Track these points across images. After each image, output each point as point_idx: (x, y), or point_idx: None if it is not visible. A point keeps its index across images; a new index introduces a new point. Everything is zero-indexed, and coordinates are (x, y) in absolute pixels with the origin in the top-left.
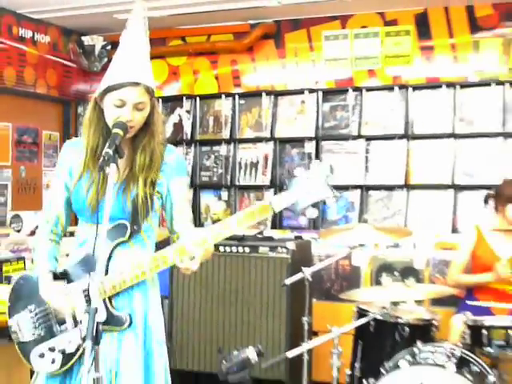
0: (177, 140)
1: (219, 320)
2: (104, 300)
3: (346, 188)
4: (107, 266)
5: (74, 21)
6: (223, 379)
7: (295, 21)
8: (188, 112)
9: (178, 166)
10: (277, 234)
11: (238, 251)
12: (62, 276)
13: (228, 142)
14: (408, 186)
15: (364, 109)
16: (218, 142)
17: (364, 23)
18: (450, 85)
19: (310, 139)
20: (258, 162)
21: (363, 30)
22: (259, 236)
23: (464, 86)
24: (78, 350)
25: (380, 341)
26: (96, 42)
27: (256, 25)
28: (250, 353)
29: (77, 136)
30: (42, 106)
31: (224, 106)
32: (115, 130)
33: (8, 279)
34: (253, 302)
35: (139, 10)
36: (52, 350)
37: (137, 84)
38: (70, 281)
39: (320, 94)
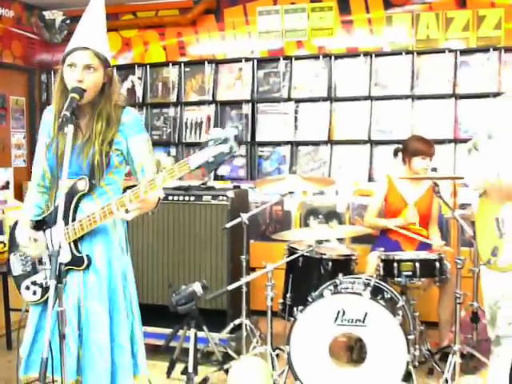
0: (130, 103)
1: (169, 260)
2: (69, 243)
3: (278, 144)
4: (74, 215)
5: None
6: (173, 310)
7: None
8: (139, 79)
9: (135, 125)
10: (218, 184)
11: (184, 200)
12: (42, 223)
13: (175, 104)
14: (331, 142)
15: (293, 75)
16: (167, 105)
17: (293, 0)
18: (367, 54)
19: (247, 102)
20: (201, 122)
21: (292, 5)
22: (203, 186)
23: (378, 55)
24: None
25: (307, 274)
26: (56, 16)
27: (199, 1)
28: (196, 287)
29: (41, 101)
30: (9, 74)
31: (171, 73)
32: (71, 94)
33: None
34: (198, 243)
35: None
36: (34, 283)
37: (86, 48)
38: (47, 227)
39: (255, 62)
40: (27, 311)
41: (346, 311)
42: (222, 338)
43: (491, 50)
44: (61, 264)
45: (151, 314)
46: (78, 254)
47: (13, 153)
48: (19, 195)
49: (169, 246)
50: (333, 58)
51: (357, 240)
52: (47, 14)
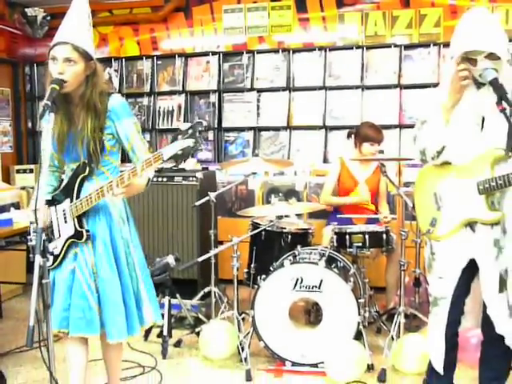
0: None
1: (145, 234)
2: (73, 219)
3: (242, 130)
4: (78, 194)
5: None
6: None
7: None
8: (116, 71)
9: (122, 110)
10: (188, 166)
11: (158, 181)
12: (53, 201)
13: (149, 94)
14: (290, 128)
15: (256, 67)
16: (141, 95)
17: None
18: (322, 48)
19: (214, 92)
20: (173, 110)
21: (254, 4)
22: (174, 168)
23: (332, 49)
24: (60, 253)
25: (269, 246)
26: (37, 13)
27: (169, 0)
28: (170, 259)
29: (25, 92)
30: None
31: (145, 66)
32: (52, 85)
33: None
34: (171, 220)
35: None
36: (49, 252)
37: (65, 43)
38: (57, 204)
39: (221, 55)
40: None
41: (304, 279)
42: (194, 304)
43: (432, 45)
44: (45, 241)
45: None
46: (79, 229)
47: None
48: (6, 178)
49: (144, 222)
50: (291, 52)
51: (313, 215)
52: (29, 11)
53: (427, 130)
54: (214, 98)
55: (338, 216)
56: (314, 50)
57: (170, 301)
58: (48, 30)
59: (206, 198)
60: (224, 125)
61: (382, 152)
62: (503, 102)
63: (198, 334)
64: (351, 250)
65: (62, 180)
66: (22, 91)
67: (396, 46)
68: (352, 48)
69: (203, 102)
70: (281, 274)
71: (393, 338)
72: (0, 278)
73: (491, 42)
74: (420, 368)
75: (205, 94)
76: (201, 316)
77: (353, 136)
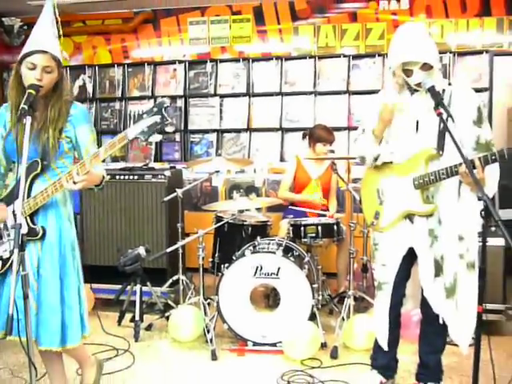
0: (82, 98)
1: (117, 228)
2: (26, 217)
3: (206, 132)
4: (29, 192)
5: None
6: (121, 270)
7: (168, 10)
8: (90, 77)
9: (82, 116)
10: (157, 165)
11: (129, 178)
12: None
13: (120, 99)
14: (250, 130)
15: (218, 75)
16: (113, 100)
17: (217, 12)
18: (278, 58)
19: (180, 97)
20: (143, 113)
21: (217, 17)
22: (144, 167)
23: (288, 58)
24: (11, 256)
25: (232, 238)
26: (14, 22)
27: (138, 13)
28: (141, 250)
29: (3, 96)
30: None
31: (116, 73)
32: (29, 90)
33: None
34: (141, 214)
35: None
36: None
37: (45, 52)
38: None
39: (187, 64)
40: None
41: (263, 266)
42: (163, 291)
43: (376, 55)
44: (23, 235)
45: (103, 273)
46: (33, 226)
47: None
48: None
49: (117, 217)
50: (250, 61)
51: (271, 209)
52: (6, 21)
53: (365, 143)
54: (180, 102)
55: (290, 207)
56: (272, 59)
57: (141, 288)
58: (24, 39)
59: (174, 194)
60: (190, 127)
61: (333, 151)
62: (440, 107)
63: (167, 318)
64: (305, 240)
65: (7, 186)
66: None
67: (345, 56)
68: (306, 58)
69: (171, 106)
70: (242, 262)
71: (343, 319)
72: None
73: (425, 53)
74: (368, 345)
75: (172, 99)
76: (170, 302)
77: (307, 137)
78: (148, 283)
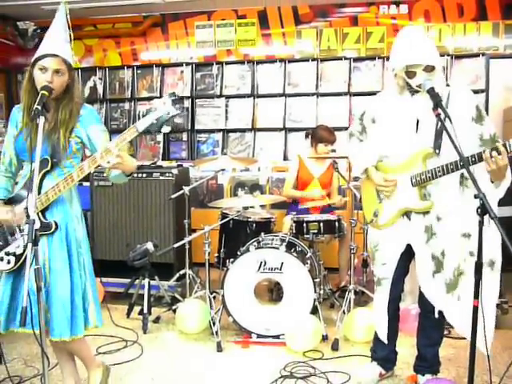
0: (93, 99)
1: (127, 224)
2: (38, 213)
3: (212, 131)
4: (39, 190)
5: (11, 10)
6: (131, 264)
7: (175, 14)
8: (100, 79)
9: (92, 117)
10: (165, 163)
11: (138, 176)
12: (11, 201)
13: (130, 100)
14: (254, 129)
15: (224, 77)
16: (123, 100)
17: (223, 17)
18: (282, 60)
19: (187, 98)
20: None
21: (223, 21)
22: (153, 165)
23: (291, 61)
24: (24, 251)
25: (237, 234)
26: (28, 26)
27: (147, 16)
28: (149, 245)
29: (17, 97)
30: None
31: (126, 75)
32: (42, 92)
33: None
34: (149, 211)
35: (63, 5)
36: (7, 254)
37: (55, 55)
38: (16, 203)
39: (194, 66)
40: None
41: (267, 261)
42: (170, 285)
43: (377, 58)
44: (36, 230)
45: (113, 267)
46: (45, 221)
47: None
48: None
49: (126, 213)
50: (255, 63)
51: (275, 206)
52: (20, 25)
53: (357, 158)
54: (187, 103)
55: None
56: (275, 61)
57: (149, 282)
58: (38, 42)
59: (181, 191)
60: (196, 127)
61: (334, 151)
62: (439, 108)
63: (174, 311)
64: (308, 236)
65: (17, 183)
66: (14, 96)
67: (346, 58)
68: (308, 60)
69: (178, 107)
70: (247, 257)
71: (344, 312)
72: None
73: (429, 55)
74: (368, 337)
75: (180, 99)
76: (177, 295)
77: (309, 137)
78: (156, 277)
